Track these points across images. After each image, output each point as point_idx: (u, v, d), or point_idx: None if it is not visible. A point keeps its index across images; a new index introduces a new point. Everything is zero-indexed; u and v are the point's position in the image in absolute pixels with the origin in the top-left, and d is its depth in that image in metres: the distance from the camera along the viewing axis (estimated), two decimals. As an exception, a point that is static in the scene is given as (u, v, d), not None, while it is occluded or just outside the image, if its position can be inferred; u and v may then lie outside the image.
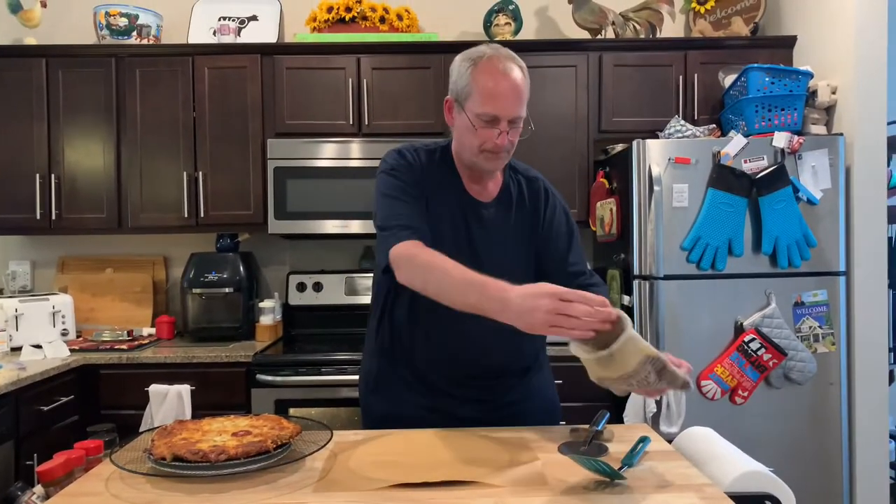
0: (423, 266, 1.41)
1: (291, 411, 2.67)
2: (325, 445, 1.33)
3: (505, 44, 3.12)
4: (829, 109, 2.88)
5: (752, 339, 2.62)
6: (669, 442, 1.45)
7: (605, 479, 1.18)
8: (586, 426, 1.47)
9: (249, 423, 1.37)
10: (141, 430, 2.71)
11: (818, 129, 2.85)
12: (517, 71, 1.53)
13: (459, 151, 1.62)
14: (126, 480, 1.22)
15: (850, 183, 2.73)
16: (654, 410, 2.57)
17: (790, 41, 3.13)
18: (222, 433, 1.31)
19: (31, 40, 3.25)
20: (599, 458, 1.20)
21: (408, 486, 1.17)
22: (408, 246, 1.45)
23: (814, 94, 2.85)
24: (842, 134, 2.73)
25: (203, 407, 2.69)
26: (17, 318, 2.94)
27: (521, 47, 3.17)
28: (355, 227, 3.04)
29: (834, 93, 2.83)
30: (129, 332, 3.19)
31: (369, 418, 1.71)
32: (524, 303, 1.24)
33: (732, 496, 1.12)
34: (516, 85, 1.51)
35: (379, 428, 1.67)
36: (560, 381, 2.75)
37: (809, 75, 2.83)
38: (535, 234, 1.67)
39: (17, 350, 2.87)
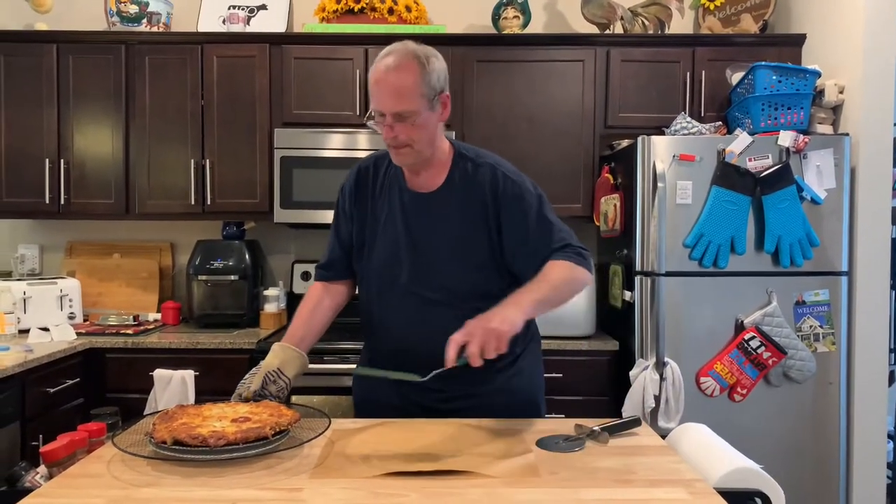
0: None
1: (293, 399, 2.68)
2: (322, 433, 1.35)
3: (513, 37, 3.16)
4: (836, 109, 2.87)
5: (753, 338, 2.62)
6: (665, 438, 1.47)
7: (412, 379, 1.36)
8: (591, 422, 1.47)
9: (249, 410, 1.40)
10: (145, 414, 2.75)
11: (824, 129, 2.84)
12: (398, 66, 1.52)
13: None
14: (127, 462, 1.25)
15: (855, 183, 2.72)
16: (653, 406, 2.59)
17: (799, 39, 3.12)
18: (222, 419, 1.34)
19: (41, 26, 3.27)
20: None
21: (402, 474, 1.19)
22: (309, 290, 1.80)
23: (821, 93, 2.84)
24: (848, 134, 2.73)
25: (206, 392, 2.72)
26: (25, 300, 2.97)
27: (528, 41, 3.20)
28: (360, 217, 3.05)
29: (841, 92, 2.82)
30: (135, 317, 3.22)
31: (355, 402, 1.84)
32: None
33: (721, 492, 1.14)
34: (392, 80, 1.52)
35: (361, 411, 1.76)
36: (560, 375, 2.79)
37: (817, 74, 2.83)
38: (487, 219, 1.63)
39: (24, 332, 2.90)
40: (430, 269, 1.64)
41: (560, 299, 1.57)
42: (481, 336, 1.34)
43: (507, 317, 1.39)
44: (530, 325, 1.81)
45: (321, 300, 1.76)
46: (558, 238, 1.62)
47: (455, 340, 1.35)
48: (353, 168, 1.79)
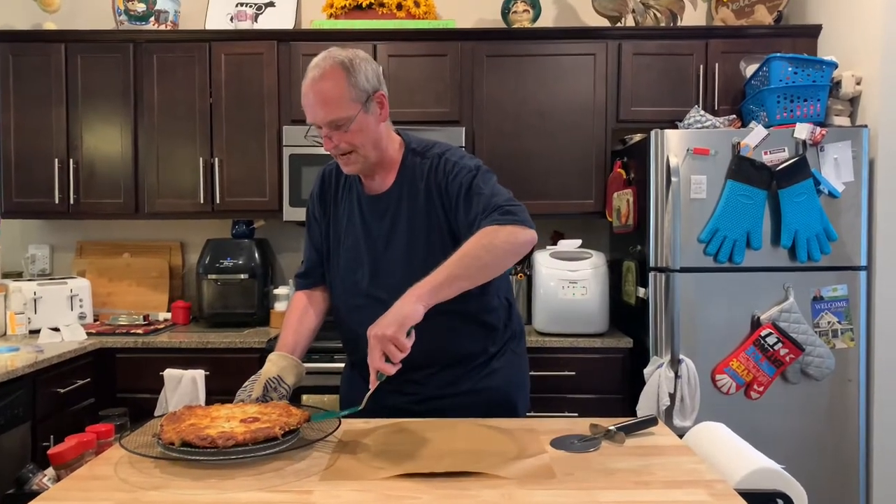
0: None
1: (304, 398, 2.68)
2: (332, 433, 1.33)
3: (523, 31, 3.13)
4: (854, 100, 2.82)
5: (769, 334, 2.58)
6: (681, 436, 1.44)
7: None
8: (607, 422, 1.44)
9: (258, 410, 1.38)
10: (156, 414, 2.74)
11: (842, 121, 2.79)
12: (323, 75, 1.51)
13: None
14: (135, 465, 1.23)
15: (874, 176, 2.67)
16: (668, 404, 2.55)
17: (815, 30, 3.06)
18: (231, 419, 1.32)
19: (50, 25, 3.27)
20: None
21: (414, 475, 1.17)
22: (292, 300, 1.80)
23: (838, 84, 2.79)
24: (866, 126, 2.68)
25: (217, 392, 2.70)
26: (35, 301, 2.97)
27: (539, 35, 3.17)
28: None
29: (859, 83, 2.77)
30: (145, 317, 3.22)
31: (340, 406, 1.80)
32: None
33: (743, 493, 1.11)
34: (318, 91, 1.51)
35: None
36: (573, 373, 2.77)
37: (834, 65, 2.78)
38: (437, 210, 1.61)
39: (35, 333, 2.90)
40: (388, 271, 1.62)
41: (481, 266, 1.46)
42: (377, 348, 1.32)
43: (398, 315, 1.34)
44: (508, 324, 1.75)
45: (306, 309, 1.75)
46: (486, 204, 1.52)
47: (370, 365, 1.34)
48: (319, 172, 1.78)
